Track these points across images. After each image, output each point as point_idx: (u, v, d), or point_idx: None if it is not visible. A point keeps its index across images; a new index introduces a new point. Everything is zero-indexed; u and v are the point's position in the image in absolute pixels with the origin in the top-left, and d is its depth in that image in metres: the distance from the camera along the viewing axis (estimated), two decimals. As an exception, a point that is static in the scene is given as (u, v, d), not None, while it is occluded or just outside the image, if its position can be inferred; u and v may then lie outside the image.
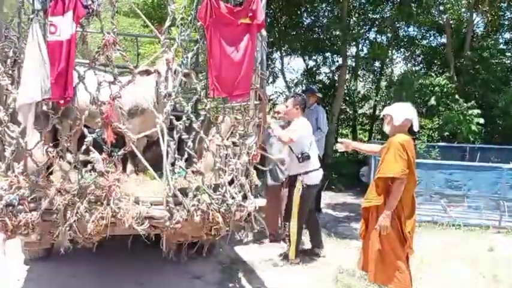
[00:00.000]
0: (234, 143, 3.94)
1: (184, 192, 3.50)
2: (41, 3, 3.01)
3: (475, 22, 12.71)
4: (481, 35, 13.56)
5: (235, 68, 3.58)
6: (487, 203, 7.53)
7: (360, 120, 15.92)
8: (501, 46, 13.19)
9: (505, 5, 12.61)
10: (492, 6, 11.61)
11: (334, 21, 10.88)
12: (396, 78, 13.10)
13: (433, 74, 11.56)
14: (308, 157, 4.90)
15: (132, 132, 3.58)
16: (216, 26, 3.49)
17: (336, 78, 14.19)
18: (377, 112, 16.65)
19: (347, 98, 14.51)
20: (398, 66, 16.20)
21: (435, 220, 7.47)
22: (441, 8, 11.49)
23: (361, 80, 16.13)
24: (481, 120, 10.22)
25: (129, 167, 4.72)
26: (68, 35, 3.12)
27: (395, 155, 3.63)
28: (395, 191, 3.63)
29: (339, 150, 5.04)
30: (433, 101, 11.11)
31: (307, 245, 5.77)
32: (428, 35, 15.08)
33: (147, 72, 4.33)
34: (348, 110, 15.18)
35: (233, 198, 3.64)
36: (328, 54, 13.87)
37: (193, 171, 3.53)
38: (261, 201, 3.88)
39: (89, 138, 3.30)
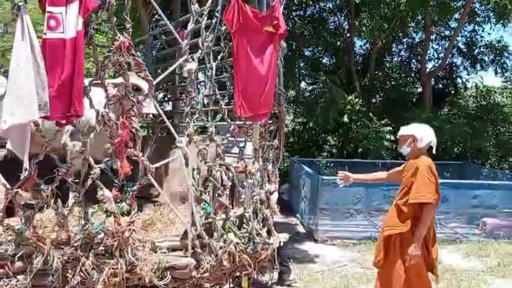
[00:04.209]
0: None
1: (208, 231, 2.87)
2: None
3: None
4: (376, 58, 14.64)
5: (261, 83, 3.08)
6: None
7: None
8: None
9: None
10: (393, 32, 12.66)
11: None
12: (308, 95, 13.40)
13: (345, 94, 12.06)
14: None
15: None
16: (243, 33, 2.97)
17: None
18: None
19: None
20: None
21: (375, 237, 7.58)
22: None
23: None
24: (392, 137, 10.91)
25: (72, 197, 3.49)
26: (73, 32, 2.33)
27: (424, 178, 3.43)
28: (426, 216, 3.41)
29: (340, 186, 4.53)
30: (345, 119, 11.62)
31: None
32: (324, 56, 15.89)
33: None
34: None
35: (258, 234, 3.11)
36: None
37: (220, 206, 2.90)
38: (284, 236, 3.40)
39: (96, 170, 2.50)
